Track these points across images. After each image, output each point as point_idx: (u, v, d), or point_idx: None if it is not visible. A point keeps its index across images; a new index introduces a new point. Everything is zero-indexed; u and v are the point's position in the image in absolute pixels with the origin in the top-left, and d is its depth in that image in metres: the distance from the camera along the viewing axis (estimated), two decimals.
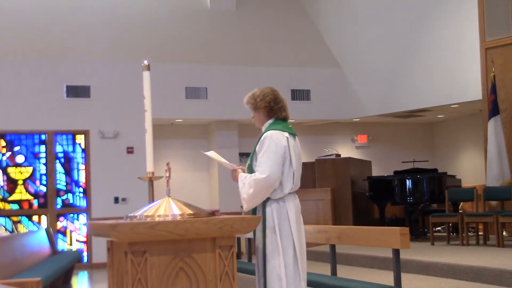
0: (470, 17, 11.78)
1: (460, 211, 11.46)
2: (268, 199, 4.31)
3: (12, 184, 12.38)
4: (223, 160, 4.47)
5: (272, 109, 4.46)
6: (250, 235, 7.01)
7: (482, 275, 7.36)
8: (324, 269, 6.60)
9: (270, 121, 4.47)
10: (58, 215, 12.53)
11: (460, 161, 15.37)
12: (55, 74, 12.48)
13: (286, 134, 4.38)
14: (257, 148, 4.37)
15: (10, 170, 12.39)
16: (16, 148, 12.45)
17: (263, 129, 4.48)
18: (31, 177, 12.46)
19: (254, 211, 4.42)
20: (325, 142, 14.90)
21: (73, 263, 10.23)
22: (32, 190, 12.45)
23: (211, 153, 4.50)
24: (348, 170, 12.50)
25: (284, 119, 4.48)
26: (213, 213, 3.70)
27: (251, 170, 4.37)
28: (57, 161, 12.60)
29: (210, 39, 13.97)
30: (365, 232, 5.68)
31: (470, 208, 11.98)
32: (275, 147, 4.28)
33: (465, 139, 15.18)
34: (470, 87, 11.99)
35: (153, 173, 3.79)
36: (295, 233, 4.30)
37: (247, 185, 4.28)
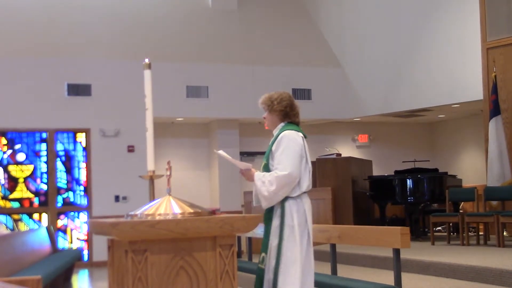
0: (471, 17, 11.77)
1: (460, 211, 11.46)
2: (286, 197, 4.41)
3: (13, 182, 12.38)
4: (233, 159, 4.53)
5: (287, 114, 4.61)
6: (251, 234, 7.02)
7: (483, 275, 7.36)
8: (324, 269, 6.60)
9: (282, 124, 4.62)
10: (59, 213, 12.54)
11: (461, 161, 15.37)
12: (56, 73, 12.48)
13: (301, 134, 4.55)
14: (273, 148, 4.49)
15: (11, 168, 12.40)
16: (17, 146, 12.46)
17: (275, 131, 4.62)
18: (32, 175, 12.46)
19: (270, 209, 4.47)
20: (325, 142, 14.90)
21: (74, 261, 10.24)
22: (33, 188, 12.45)
23: (222, 152, 4.55)
24: (348, 170, 12.50)
25: (297, 124, 4.65)
26: (213, 212, 3.70)
27: (267, 170, 4.48)
28: (58, 159, 12.60)
29: (211, 38, 13.97)
30: (366, 232, 5.69)
31: (471, 208, 11.97)
32: (293, 145, 4.44)
33: (466, 139, 15.17)
34: (471, 87, 11.98)
35: (153, 171, 3.78)
36: (311, 231, 4.45)
37: (268, 183, 4.37)
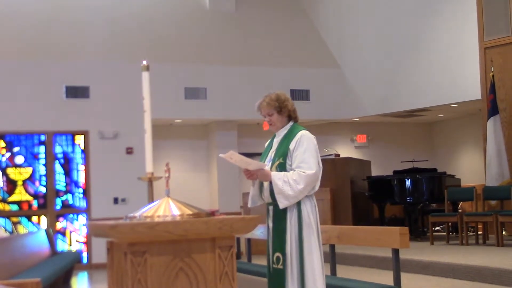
0: (469, 16, 11.78)
1: (459, 210, 11.47)
2: None
3: (11, 185, 12.37)
4: (245, 159, 4.43)
5: (295, 112, 4.62)
6: (250, 235, 7.02)
7: (482, 274, 7.37)
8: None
9: (291, 123, 4.61)
10: (58, 216, 12.53)
11: (459, 160, 15.38)
12: (54, 75, 12.48)
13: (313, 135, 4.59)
14: (291, 147, 4.46)
15: (10, 170, 12.39)
16: (16, 149, 12.45)
17: (282, 131, 4.58)
18: (31, 178, 12.45)
19: (284, 209, 4.42)
20: (324, 142, 14.87)
21: (73, 263, 10.23)
22: (32, 191, 12.44)
23: (230, 154, 4.42)
24: (347, 170, 12.51)
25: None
26: (212, 213, 3.70)
27: (284, 169, 4.43)
28: (57, 161, 12.59)
29: (209, 40, 13.97)
30: (365, 232, 5.70)
31: (470, 208, 11.98)
32: (313, 145, 4.51)
33: (464, 139, 15.19)
34: (469, 87, 12.00)
35: (152, 173, 3.78)
36: (320, 228, 4.52)
37: (293, 181, 4.34)
